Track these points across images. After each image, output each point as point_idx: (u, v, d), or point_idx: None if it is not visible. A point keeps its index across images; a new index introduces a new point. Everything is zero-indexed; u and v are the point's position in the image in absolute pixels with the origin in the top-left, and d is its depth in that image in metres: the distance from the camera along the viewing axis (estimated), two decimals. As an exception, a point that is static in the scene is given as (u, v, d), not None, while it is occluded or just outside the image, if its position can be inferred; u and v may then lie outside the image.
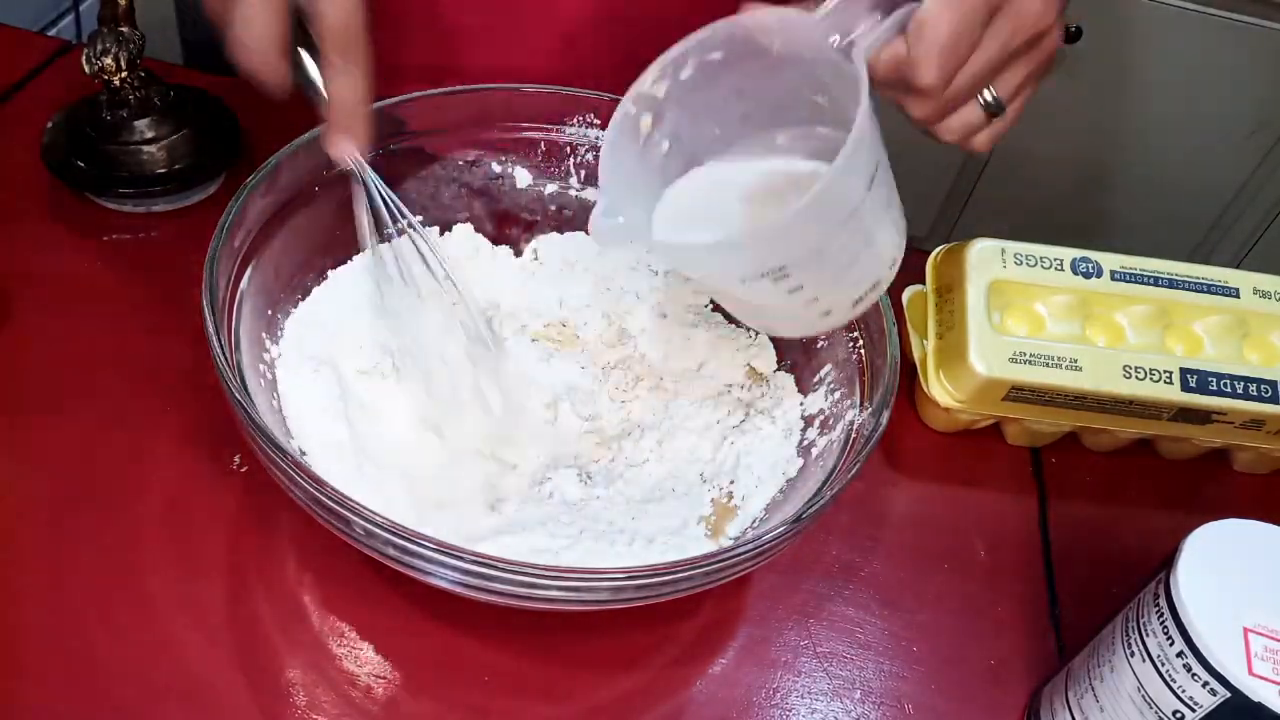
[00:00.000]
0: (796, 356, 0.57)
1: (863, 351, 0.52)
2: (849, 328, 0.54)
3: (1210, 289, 0.61)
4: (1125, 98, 1.53)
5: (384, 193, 0.51)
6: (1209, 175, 1.58)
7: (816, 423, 0.54)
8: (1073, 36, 1.45)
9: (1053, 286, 0.60)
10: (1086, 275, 0.60)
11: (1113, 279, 0.60)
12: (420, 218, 0.57)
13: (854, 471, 0.45)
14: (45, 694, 0.44)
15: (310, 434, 0.51)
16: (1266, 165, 1.56)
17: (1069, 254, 0.61)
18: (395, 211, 0.52)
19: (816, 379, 0.55)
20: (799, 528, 0.43)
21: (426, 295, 0.55)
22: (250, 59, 0.46)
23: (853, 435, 0.49)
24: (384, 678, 0.47)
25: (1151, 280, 0.61)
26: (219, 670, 0.46)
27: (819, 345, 0.56)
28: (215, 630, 0.47)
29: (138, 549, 0.49)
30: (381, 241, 0.54)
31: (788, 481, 0.52)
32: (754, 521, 0.51)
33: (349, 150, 0.49)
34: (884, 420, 0.47)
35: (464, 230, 0.61)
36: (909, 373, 0.63)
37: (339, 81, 0.47)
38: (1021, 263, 0.60)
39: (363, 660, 0.47)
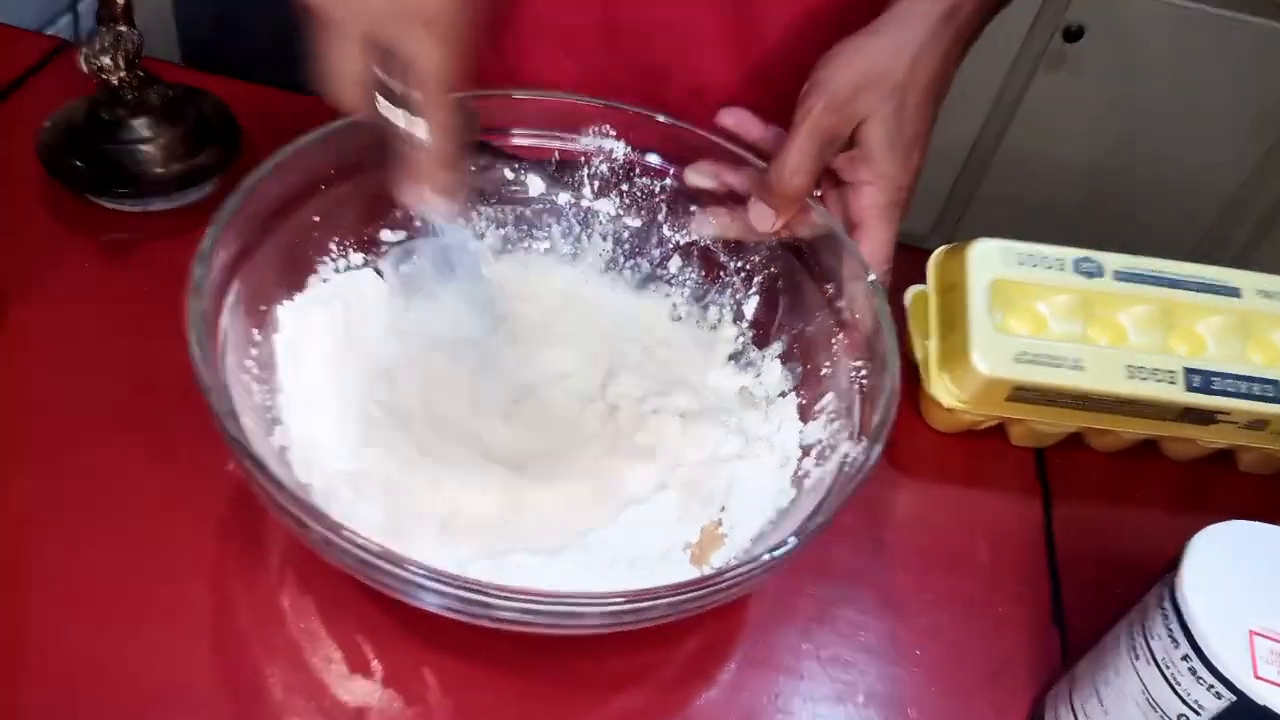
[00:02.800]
0: (800, 383, 0.56)
1: (864, 381, 0.51)
2: (855, 355, 0.52)
3: (1212, 289, 0.61)
4: (1125, 97, 1.53)
5: (457, 248, 0.52)
6: (1211, 174, 1.58)
7: (813, 453, 0.52)
8: (1073, 36, 1.45)
9: (1055, 286, 0.60)
10: (1089, 275, 0.60)
11: (1115, 279, 0.60)
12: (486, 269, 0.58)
13: (839, 504, 0.44)
14: (39, 695, 0.44)
15: (300, 425, 0.50)
16: (1268, 164, 1.56)
17: (1071, 254, 0.60)
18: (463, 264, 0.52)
19: (818, 407, 0.54)
20: (779, 560, 0.42)
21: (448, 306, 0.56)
22: (330, 90, 0.45)
23: (845, 469, 0.48)
24: (373, 693, 0.46)
25: (1154, 280, 0.60)
26: (205, 675, 0.46)
27: (823, 373, 0.55)
28: (207, 634, 0.47)
29: (133, 550, 0.49)
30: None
31: (779, 512, 0.51)
32: (742, 552, 0.50)
33: (426, 201, 0.48)
34: (875, 455, 0.45)
35: None
36: (911, 374, 0.62)
37: (429, 133, 0.46)
38: (1024, 262, 0.60)
39: (354, 673, 0.47)
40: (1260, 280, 0.61)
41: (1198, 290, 0.61)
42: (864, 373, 0.51)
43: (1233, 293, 0.61)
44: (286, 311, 0.53)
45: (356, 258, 0.57)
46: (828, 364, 0.54)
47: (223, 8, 1.44)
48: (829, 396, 0.53)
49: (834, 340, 0.54)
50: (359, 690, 0.46)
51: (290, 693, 0.46)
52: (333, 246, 0.55)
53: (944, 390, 0.59)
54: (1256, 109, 1.50)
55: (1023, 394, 0.58)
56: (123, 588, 0.48)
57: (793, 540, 0.42)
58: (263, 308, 0.52)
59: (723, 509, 0.52)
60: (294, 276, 0.54)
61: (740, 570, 0.41)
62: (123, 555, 0.49)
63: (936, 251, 0.63)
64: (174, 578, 0.48)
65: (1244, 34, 1.43)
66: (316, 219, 0.54)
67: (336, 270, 0.56)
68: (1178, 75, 1.49)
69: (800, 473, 0.52)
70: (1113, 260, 0.60)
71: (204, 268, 0.46)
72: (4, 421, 0.53)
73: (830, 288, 0.55)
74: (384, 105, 0.46)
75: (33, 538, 0.49)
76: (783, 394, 0.56)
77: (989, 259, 0.60)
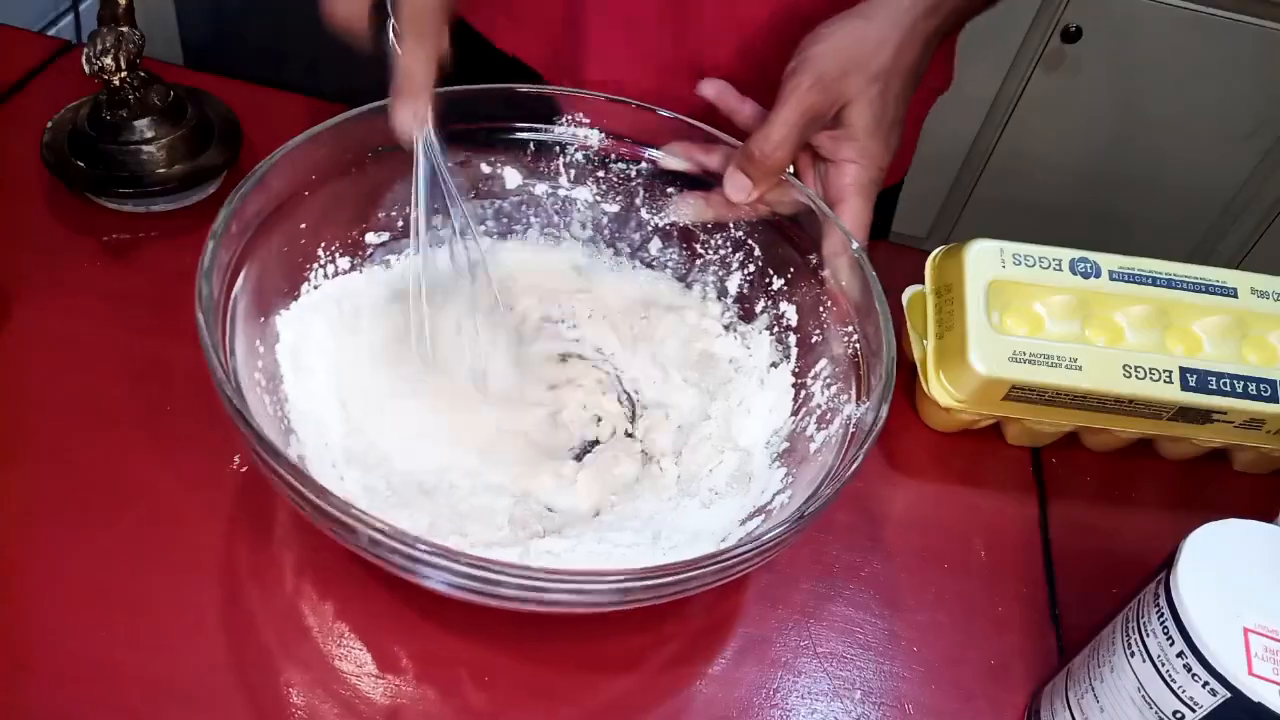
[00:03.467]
0: (792, 352, 0.57)
1: (858, 347, 0.52)
2: (844, 322, 0.54)
3: (1209, 289, 0.61)
4: (1125, 98, 1.54)
5: (442, 171, 0.52)
6: (1209, 175, 1.59)
7: (813, 418, 0.53)
8: (1071, 37, 1.46)
9: (1052, 286, 0.60)
10: (1085, 275, 0.60)
11: (1111, 279, 0.60)
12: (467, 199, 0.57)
13: (855, 465, 0.45)
14: (44, 695, 0.44)
15: (312, 434, 0.50)
16: (1266, 165, 1.56)
17: (1067, 254, 0.61)
18: (446, 191, 0.52)
19: (813, 374, 0.55)
20: (801, 525, 0.43)
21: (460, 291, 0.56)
22: (336, 17, 0.47)
23: (851, 430, 0.49)
24: (383, 680, 0.47)
25: (1150, 280, 0.61)
26: (216, 672, 0.46)
27: (814, 340, 0.56)
28: (214, 631, 0.47)
29: (137, 549, 0.49)
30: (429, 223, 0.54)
31: (784, 480, 0.52)
32: (745, 518, 0.51)
33: (408, 122, 0.50)
34: (883, 414, 0.46)
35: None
36: (909, 372, 0.63)
37: (408, 57, 0.48)
38: (1020, 263, 0.60)
39: (361, 661, 0.47)
40: (1256, 280, 0.62)
41: (1194, 290, 0.61)
42: (857, 337, 0.52)
43: (1229, 293, 0.61)
44: (284, 321, 0.53)
45: (344, 261, 0.57)
46: (818, 332, 0.56)
47: (224, 9, 1.45)
48: (823, 363, 0.54)
49: (822, 309, 0.55)
50: (387, 681, 0.47)
51: (316, 689, 0.46)
52: (320, 252, 0.56)
53: (941, 390, 0.59)
54: (1255, 110, 1.51)
55: (1020, 393, 0.58)
56: (124, 587, 0.48)
57: (817, 502, 0.43)
58: (262, 319, 0.52)
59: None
60: (288, 285, 0.54)
61: (755, 544, 0.42)
62: (124, 554, 0.49)
63: (934, 253, 0.63)
64: (176, 575, 0.49)
65: (1243, 35, 1.43)
66: (303, 225, 0.54)
67: (326, 276, 0.56)
68: (1176, 76, 1.49)
69: (804, 437, 0.53)
70: (1109, 261, 0.61)
71: (209, 284, 0.46)
72: (6, 420, 0.53)
73: (814, 258, 0.56)
74: (390, 32, 0.48)
75: (34, 537, 0.49)
76: (774, 364, 0.57)
77: (986, 259, 0.60)
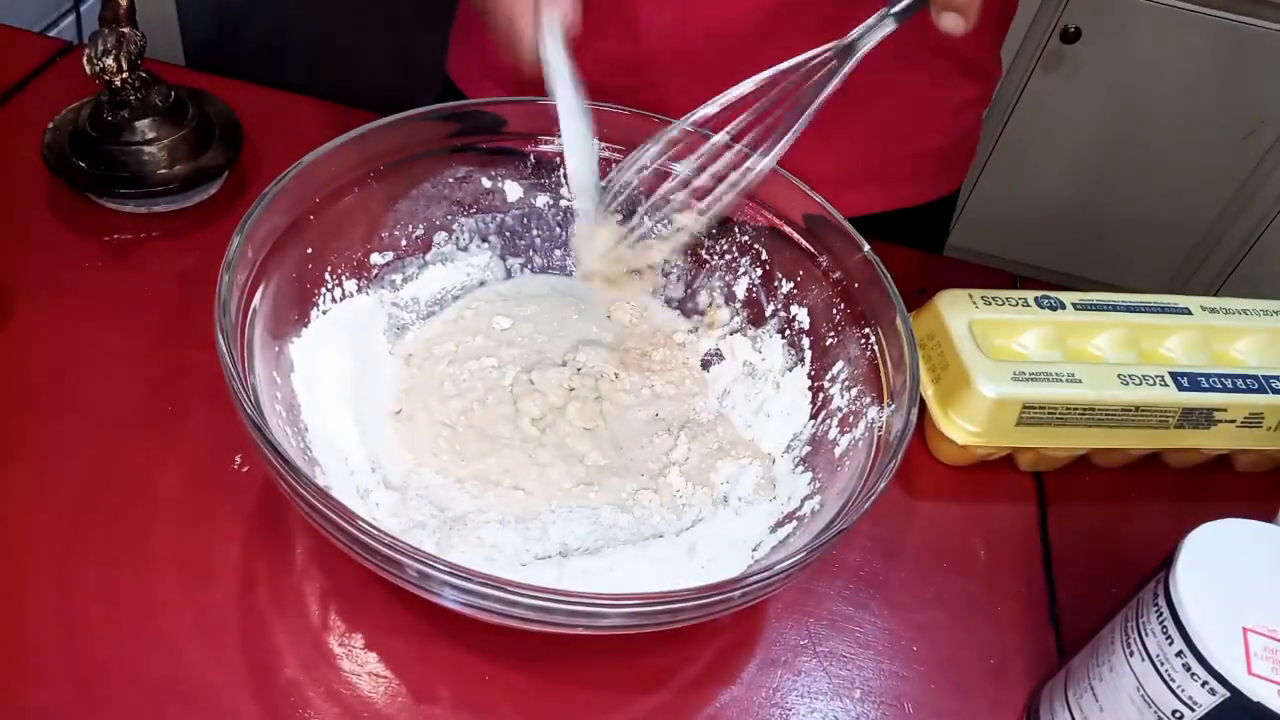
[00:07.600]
0: (805, 356, 0.57)
1: (876, 349, 0.52)
2: (859, 323, 0.54)
3: (1164, 310, 0.63)
4: (1124, 98, 1.54)
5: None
6: (1208, 175, 1.59)
7: (835, 421, 0.53)
8: (1072, 37, 1.46)
9: (1027, 321, 0.61)
10: (1052, 309, 0.62)
11: (1076, 310, 0.62)
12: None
13: (887, 477, 0.44)
14: (48, 695, 0.45)
15: (335, 462, 0.50)
16: (1265, 165, 1.56)
17: (1031, 294, 0.62)
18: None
19: (830, 376, 0.55)
20: (842, 533, 0.42)
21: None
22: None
23: (879, 434, 0.49)
24: (391, 693, 0.47)
25: (1110, 308, 0.62)
26: (221, 673, 0.46)
27: (828, 343, 0.56)
28: (218, 633, 0.47)
29: (138, 549, 0.49)
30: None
31: (812, 482, 0.52)
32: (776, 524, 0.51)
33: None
34: (913, 418, 0.46)
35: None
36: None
37: None
38: (990, 303, 0.61)
39: (370, 670, 0.47)
40: (1203, 300, 0.64)
41: (1153, 312, 0.63)
42: (874, 338, 0.52)
43: (1184, 311, 0.63)
44: (297, 349, 0.53)
45: (350, 285, 0.57)
46: (832, 334, 0.56)
47: (225, 10, 1.45)
48: (840, 365, 0.54)
49: (835, 310, 0.55)
50: (395, 694, 0.47)
51: (322, 695, 0.46)
52: (327, 276, 0.55)
53: (954, 427, 0.59)
54: (1254, 111, 1.51)
55: (1031, 415, 0.58)
56: (126, 587, 0.48)
57: (852, 516, 0.43)
58: (277, 349, 0.51)
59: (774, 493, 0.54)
60: (298, 312, 0.54)
61: (822, 540, 0.42)
62: (126, 554, 0.49)
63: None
64: (179, 575, 0.49)
65: (1242, 35, 1.44)
66: (309, 250, 0.54)
67: (334, 300, 0.56)
68: (1175, 77, 1.49)
69: (827, 441, 0.53)
70: (1070, 296, 0.63)
71: (228, 318, 0.45)
72: (8, 421, 0.54)
73: (824, 260, 0.56)
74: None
75: (35, 536, 0.49)
76: (789, 368, 0.57)
77: (959, 304, 0.61)
